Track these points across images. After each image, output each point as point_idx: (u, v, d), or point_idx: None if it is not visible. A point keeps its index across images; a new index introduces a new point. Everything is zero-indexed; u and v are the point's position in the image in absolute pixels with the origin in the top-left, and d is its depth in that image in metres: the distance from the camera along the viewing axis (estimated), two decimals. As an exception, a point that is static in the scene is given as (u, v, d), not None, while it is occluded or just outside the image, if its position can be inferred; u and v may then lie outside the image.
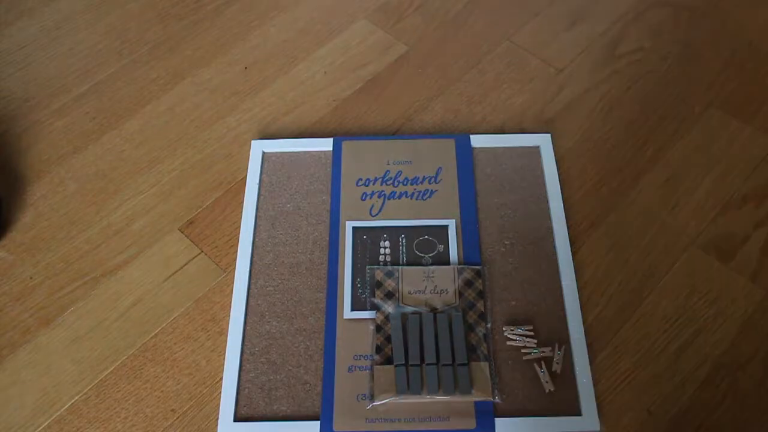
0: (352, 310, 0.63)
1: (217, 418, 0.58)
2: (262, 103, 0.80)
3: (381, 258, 0.66)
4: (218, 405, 0.59)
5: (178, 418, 0.59)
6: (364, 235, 0.67)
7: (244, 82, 0.82)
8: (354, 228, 0.67)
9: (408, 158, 0.72)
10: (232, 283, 0.65)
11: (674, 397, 0.59)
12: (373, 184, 0.70)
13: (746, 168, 0.72)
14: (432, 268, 0.64)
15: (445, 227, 0.67)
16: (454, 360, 0.58)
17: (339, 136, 0.75)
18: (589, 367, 0.59)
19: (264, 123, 0.78)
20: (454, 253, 0.65)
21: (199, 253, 0.68)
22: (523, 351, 0.60)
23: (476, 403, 0.57)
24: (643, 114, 0.77)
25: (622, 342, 0.62)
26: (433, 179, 0.71)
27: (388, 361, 0.59)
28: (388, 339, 0.60)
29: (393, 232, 0.67)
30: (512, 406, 0.57)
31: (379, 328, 0.61)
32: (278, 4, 0.90)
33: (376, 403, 0.57)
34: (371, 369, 0.59)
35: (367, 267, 0.65)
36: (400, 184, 0.70)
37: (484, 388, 0.57)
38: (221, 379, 0.60)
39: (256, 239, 0.68)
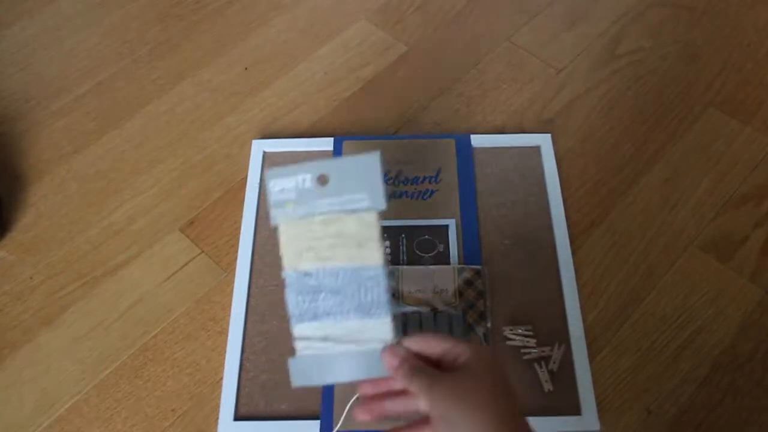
0: (352, 309, 0.63)
1: (218, 418, 0.58)
2: (262, 103, 0.80)
3: (381, 258, 0.66)
4: (218, 404, 0.59)
5: (178, 417, 0.59)
6: (364, 234, 0.67)
7: (244, 82, 0.82)
8: (354, 228, 0.67)
9: (408, 158, 0.72)
10: (233, 282, 0.65)
11: (674, 397, 0.59)
12: (373, 184, 0.70)
13: (745, 168, 0.72)
14: (432, 268, 0.64)
15: (446, 227, 0.67)
16: (454, 359, 0.58)
17: (339, 136, 0.75)
18: (588, 367, 0.59)
19: (264, 123, 0.78)
20: (454, 253, 0.65)
21: (200, 253, 0.68)
22: (522, 351, 0.60)
23: (476, 403, 0.57)
24: (643, 114, 0.77)
25: (622, 341, 0.62)
26: (433, 179, 0.71)
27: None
28: (388, 339, 0.60)
29: (393, 232, 0.67)
30: (512, 405, 0.57)
31: (379, 328, 0.61)
32: (278, 4, 0.90)
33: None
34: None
35: (367, 267, 0.65)
36: (401, 184, 0.70)
37: (484, 387, 0.57)
38: (221, 378, 0.60)
39: (257, 239, 0.68)
